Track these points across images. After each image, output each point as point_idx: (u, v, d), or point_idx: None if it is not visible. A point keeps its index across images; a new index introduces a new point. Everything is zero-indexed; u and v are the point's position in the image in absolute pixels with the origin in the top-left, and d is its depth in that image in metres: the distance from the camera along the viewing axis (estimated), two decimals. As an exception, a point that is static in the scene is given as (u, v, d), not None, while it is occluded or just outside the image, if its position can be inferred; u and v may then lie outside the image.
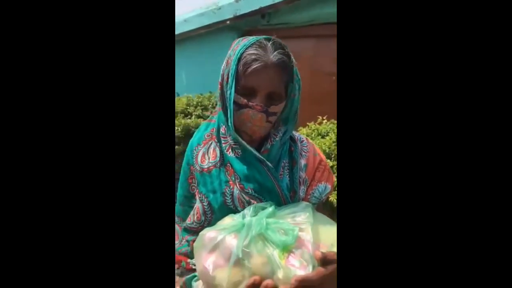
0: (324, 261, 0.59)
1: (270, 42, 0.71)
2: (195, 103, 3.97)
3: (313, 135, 1.92)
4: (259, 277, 0.56)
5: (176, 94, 5.02)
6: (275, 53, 0.69)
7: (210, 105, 3.39)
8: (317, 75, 3.84)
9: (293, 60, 0.74)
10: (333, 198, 1.44)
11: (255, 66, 0.68)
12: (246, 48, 0.70)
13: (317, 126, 2.00)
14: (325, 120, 2.02)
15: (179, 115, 3.60)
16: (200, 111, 3.73)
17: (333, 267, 0.59)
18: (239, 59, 0.70)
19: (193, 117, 3.61)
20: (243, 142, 0.71)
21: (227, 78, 0.71)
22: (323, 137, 1.87)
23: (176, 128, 3.27)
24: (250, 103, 0.70)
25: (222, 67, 0.74)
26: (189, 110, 3.80)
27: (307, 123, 2.05)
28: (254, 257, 0.57)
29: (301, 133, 1.33)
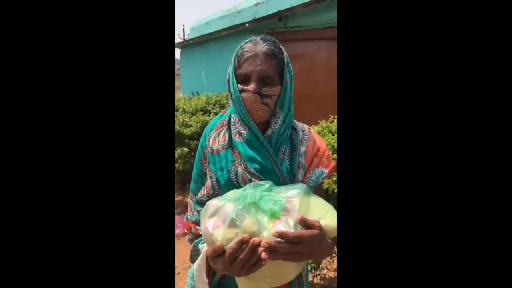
0: (303, 224, 0.68)
1: (260, 37, 0.87)
2: (213, 101, 4.15)
3: (323, 132, 2.01)
4: (248, 236, 0.66)
5: (196, 93, 5.22)
6: (263, 44, 0.85)
7: (227, 104, 3.53)
8: (332, 76, 3.91)
9: (285, 52, 0.87)
10: (331, 185, 1.53)
11: (246, 56, 0.83)
12: (242, 46, 0.86)
13: (328, 124, 2.09)
14: (336, 119, 2.10)
15: (198, 112, 3.78)
16: (218, 109, 3.89)
17: (312, 231, 0.68)
18: (236, 55, 0.86)
19: (211, 114, 3.79)
20: (252, 122, 0.83)
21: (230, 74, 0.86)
22: (333, 134, 1.96)
23: (195, 124, 3.45)
24: (244, 87, 0.83)
25: (229, 68, 0.89)
26: (208, 108, 3.98)
27: (319, 121, 2.14)
28: (246, 219, 0.68)
29: (314, 130, 1.41)
